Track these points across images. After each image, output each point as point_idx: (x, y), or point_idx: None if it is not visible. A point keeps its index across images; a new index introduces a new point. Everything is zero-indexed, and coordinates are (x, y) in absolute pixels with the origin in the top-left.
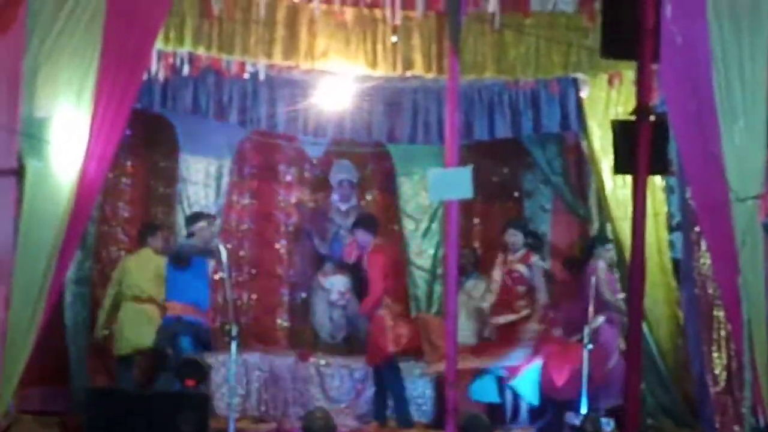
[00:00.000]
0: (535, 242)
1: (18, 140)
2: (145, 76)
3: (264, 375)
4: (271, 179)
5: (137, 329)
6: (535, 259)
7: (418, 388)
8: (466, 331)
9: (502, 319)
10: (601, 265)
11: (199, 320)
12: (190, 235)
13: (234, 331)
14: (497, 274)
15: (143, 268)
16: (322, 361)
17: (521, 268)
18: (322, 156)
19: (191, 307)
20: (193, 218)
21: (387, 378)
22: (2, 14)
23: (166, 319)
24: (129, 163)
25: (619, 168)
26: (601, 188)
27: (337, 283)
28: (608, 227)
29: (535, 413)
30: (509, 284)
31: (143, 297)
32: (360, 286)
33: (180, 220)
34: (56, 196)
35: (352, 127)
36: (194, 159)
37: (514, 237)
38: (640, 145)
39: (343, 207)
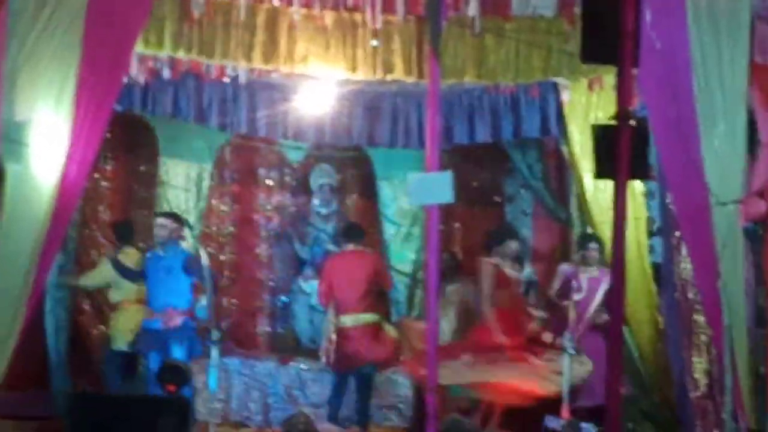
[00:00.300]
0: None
1: None
2: (125, 80)
3: (245, 379)
4: (251, 183)
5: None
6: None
7: (399, 392)
8: (447, 336)
9: None
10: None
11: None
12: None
13: (215, 336)
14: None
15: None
16: (303, 366)
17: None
18: (303, 160)
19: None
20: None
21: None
22: None
23: (146, 324)
24: (109, 167)
25: (599, 173)
26: (581, 193)
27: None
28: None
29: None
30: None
31: (132, 299)
32: None
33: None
34: (36, 200)
35: (333, 131)
36: (174, 163)
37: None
38: (621, 150)
39: (324, 211)
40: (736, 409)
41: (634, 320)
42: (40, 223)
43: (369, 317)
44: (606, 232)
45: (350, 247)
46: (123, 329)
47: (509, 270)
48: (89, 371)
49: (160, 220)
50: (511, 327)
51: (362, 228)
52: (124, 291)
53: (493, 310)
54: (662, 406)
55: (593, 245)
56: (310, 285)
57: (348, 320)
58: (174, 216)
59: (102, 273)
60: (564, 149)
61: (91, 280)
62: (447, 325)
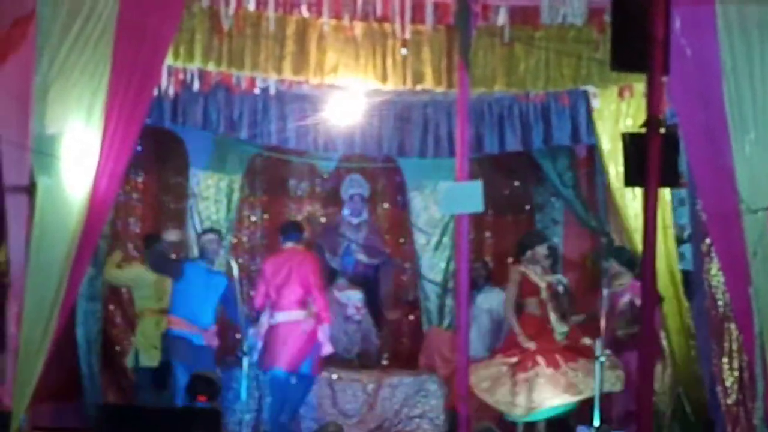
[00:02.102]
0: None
1: (29, 157)
2: (155, 92)
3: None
4: (282, 194)
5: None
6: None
7: (430, 401)
8: (477, 345)
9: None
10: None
11: (191, 335)
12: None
13: (245, 347)
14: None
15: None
16: (334, 375)
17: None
18: (333, 171)
19: (184, 321)
20: (202, 232)
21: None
22: (12, 33)
23: (177, 332)
24: (140, 180)
25: (629, 180)
26: (611, 201)
27: (353, 298)
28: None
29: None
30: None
31: (155, 308)
32: (374, 300)
33: (192, 235)
34: (67, 213)
35: (363, 142)
36: (205, 174)
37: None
38: (651, 158)
39: (355, 221)
40: None
41: (664, 328)
42: (71, 235)
43: (300, 314)
44: (636, 239)
45: (289, 245)
46: (146, 345)
47: (534, 277)
48: (120, 383)
49: (209, 236)
50: (539, 333)
51: (301, 226)
52: (144, 294)
53: (518, 317)
54: (694, 413)
55: (614, 263)
56: (345, 295)
57: (281, 317)
58: (217, 231)
59: (126, 273)
60: (594, 157)
61: (115, 276)
62: (477, 334)
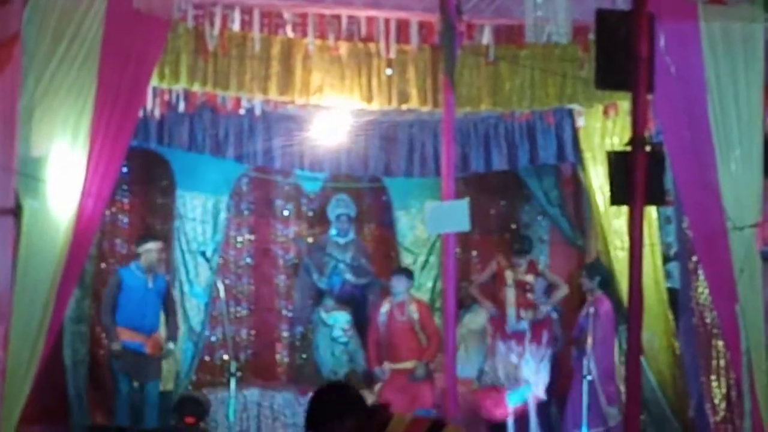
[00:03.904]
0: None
1: (15, 180)
2: (140, 113)
3: (263, 411)
4: (268, 214)
5: None
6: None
7: None
8: (464, 364)
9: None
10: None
11: (133, 345)
12: (136, 255)
13: (233, 368)
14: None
15: None
16: None
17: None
18: (319, 191)
19: (127, 330)
20: (142, 239)
21: None
22: None
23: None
24: (126, 201)
25: (615, 199)
26: (598, 219)
27: (340, 319)
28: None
29: None
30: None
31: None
32: (361, 321)
33: (178, 256)
34: (54, 235)
35: (349, 162)
36: (191, 195)
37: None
38: (636, 176)
39: (341, 241)
40: None
41: (650, 347)
42: (57, 257)
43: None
44: (622, 257)
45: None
46: None
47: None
48: (108, 404)
49: (150, 245)
50: None
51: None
52: None
53: None
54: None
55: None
56: (332, 317)
57: None
58: (161, 239)
59: None
60: (580, 175)
61: None
62: (464, 354)
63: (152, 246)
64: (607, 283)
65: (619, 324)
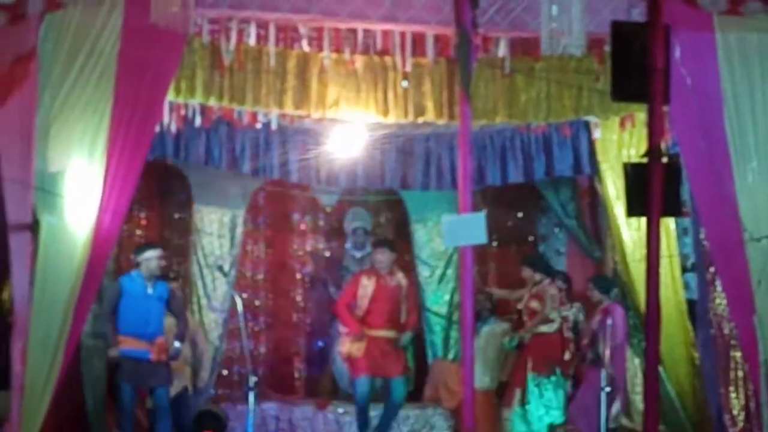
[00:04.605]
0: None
1: (32, 195)
2: (157, 128)
3: (281, 425)
4: (285, 228)
5: None
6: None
7: None
8: (483, 377)
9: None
10: (618, 309)
11: (137, 353)
12: (137, 265)
13: (251, 382)
14: None
15: None
16: (340, 410)
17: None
18: (336, 204)
19: (130, 338)
20: (141, 249)
21: None
22: (14, 70)
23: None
24: (143, 216)
25: (631, 210)
26: (615, 230)
27: None
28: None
29: None
30: None
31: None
32: None
33: (195, 271)
34: (71, 251)
35: (365, 175)
36: (208, 210)
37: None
38: (653, 187)
39: (358, 255)
40: None
41: (669, 358)
42: (74, 273)
43: None
44: (640, 269)
45: None
46: None
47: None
48: None
49: (149, 253)
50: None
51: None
52: None
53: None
54: None
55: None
56: None
57: None
58: (162, 247)
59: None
60: (597, 187)
61: None
62: (482, 366)
63: (152, 254)
64: (609, 290)
65: (634, 334)
